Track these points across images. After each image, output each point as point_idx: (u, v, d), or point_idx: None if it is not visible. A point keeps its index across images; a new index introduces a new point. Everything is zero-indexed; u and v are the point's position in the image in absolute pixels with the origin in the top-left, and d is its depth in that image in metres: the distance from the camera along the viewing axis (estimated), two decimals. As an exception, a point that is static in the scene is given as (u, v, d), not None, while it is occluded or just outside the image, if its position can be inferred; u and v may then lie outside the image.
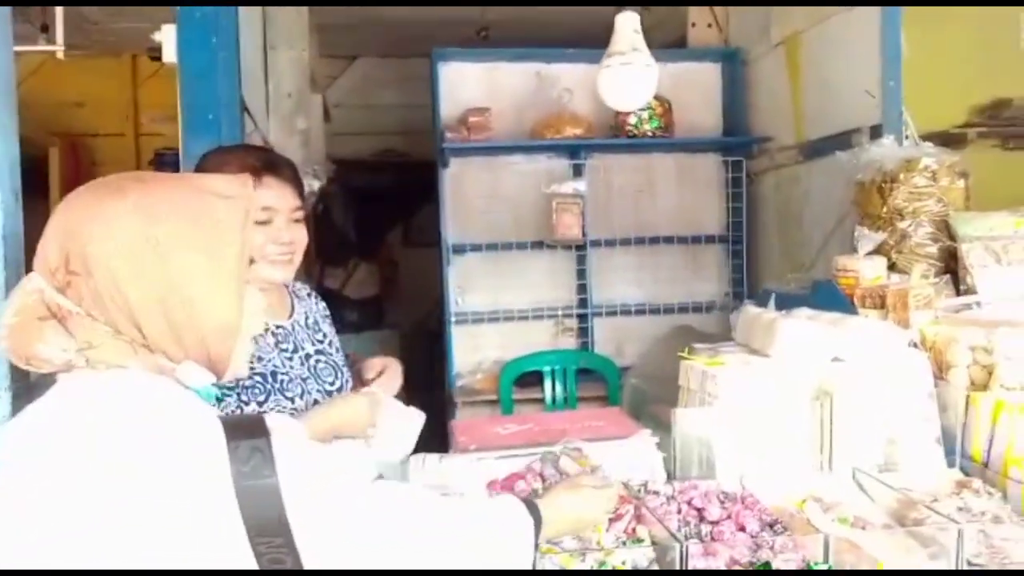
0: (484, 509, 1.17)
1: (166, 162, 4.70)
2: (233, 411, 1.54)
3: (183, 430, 0.91)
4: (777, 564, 1.30)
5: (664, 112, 3.33)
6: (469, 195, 3.55)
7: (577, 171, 3.50)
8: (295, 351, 1.68)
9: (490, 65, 3.56)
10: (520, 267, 3.58)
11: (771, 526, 1.45)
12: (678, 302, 3.59)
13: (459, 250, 3.54)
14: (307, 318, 1.78)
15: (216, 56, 2.55)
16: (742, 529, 1.42)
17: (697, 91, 3.59)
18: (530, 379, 3.48)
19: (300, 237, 1.67)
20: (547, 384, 3.44)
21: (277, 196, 1.62)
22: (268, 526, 0.88)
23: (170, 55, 2.53)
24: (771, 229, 3.54)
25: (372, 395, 1.60)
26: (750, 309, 1.93)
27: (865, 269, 2.12)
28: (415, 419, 1.62)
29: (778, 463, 1.65)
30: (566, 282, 3.62)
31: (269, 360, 1.61)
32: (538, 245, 3.56)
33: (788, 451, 1.67)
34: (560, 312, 3.58)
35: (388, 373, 1.75)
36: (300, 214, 1.67)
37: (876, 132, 2.69)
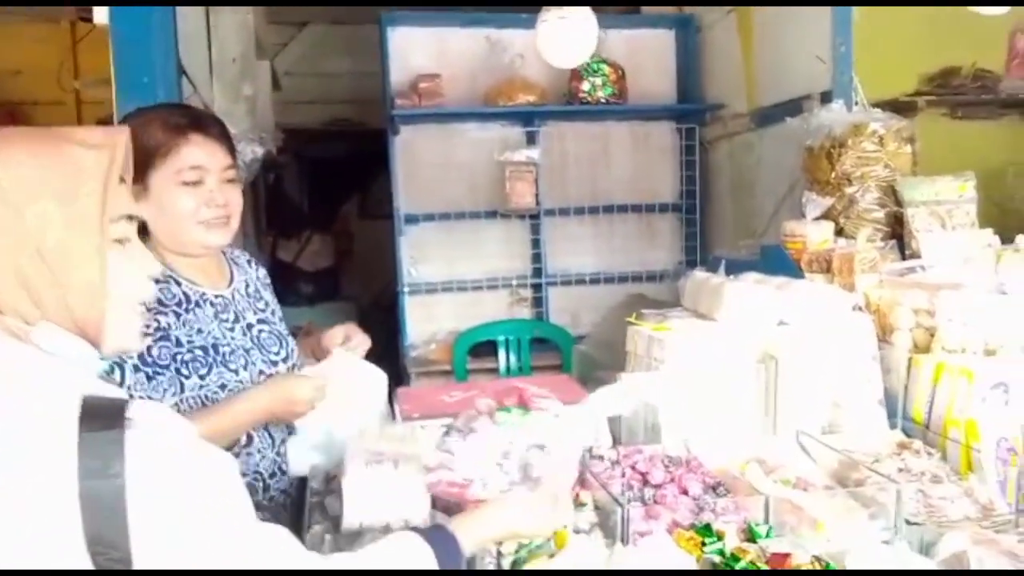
0: (368, 559, 1.01)
1: (108, 132, 4.56)
2: (171, 388, 1.47)
3: (29, 409, 0.82)
4: (718, 526, 1.29)
5: (618, 79, 3.30)
6: (421, 163, 3.49)
7: (531, 139, 3.46)
8: (236, 321, 1.62)
9: (440, 30, 3.49)
10: (474, 237, 3.54)
11: (714, 488, 1.44)
12: (632, 271, 3.58)
13: (412, 220, 3.48)
14: (247, 286, 1.71)
15: (150, 17, 2.46)
16: (684, 492, 1.42)
17: (651, 58, 3.56)
18: (485, 349, 3.46)
19: (235, 199, 1.59)
20: (501, 354, 3.42)
21: (206, 155, 1.54)
22: (106, 534, 0.79)
23: (101, 17, 2.43)
24: (724, 197, 3.55)
25: (315, 379, 1.55)
26: (698, 274, 1.92)
27: (812, 233, 2.12)
28: (382, 379, 1.61)
29: (723, 427, 1.65)
30: (521, 251, 3.59)
31: (209, 332, 1.55)
32: (492, 214, 3.52)
33: (733, 415, 1.67)
34: (515, 282, 3.56)
35: (356, 339, 1.70)
36: (233, 173, 1.60)
37: (826, 99, 2.69)
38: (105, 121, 4.57)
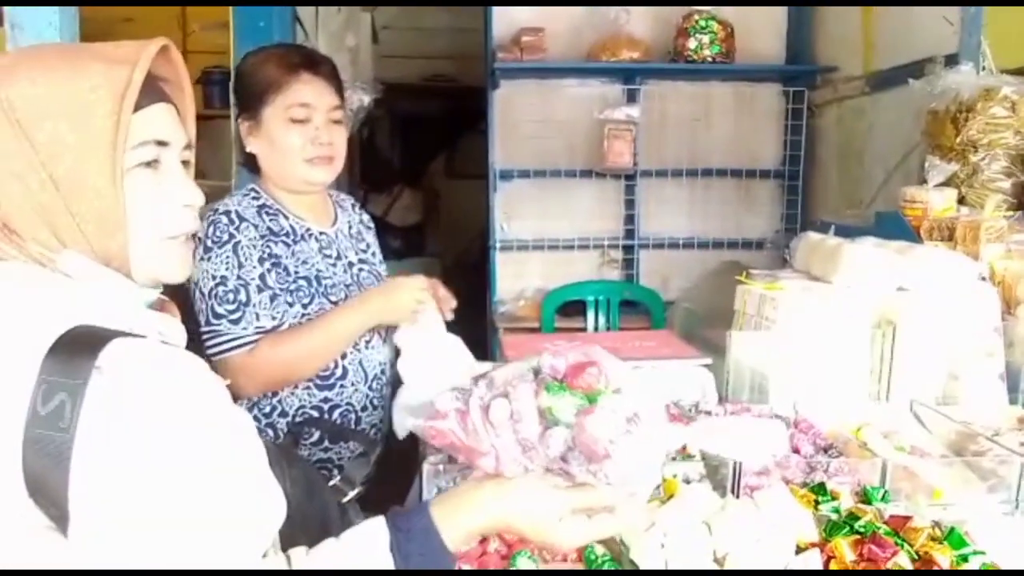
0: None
1: (214, 81, 4.68)
2: (277, 313, 1.54)
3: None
4: (831, 486, 1.26)
5: (726, 37, 3.19)
6: (519, 119, 3.47)
7: (631, 97, 3.39)
8: (338, 258, 1.68)
9: (546, -18, 3.44)
10: (567, 195, 3.52)
11: (825, 450, 1.41)
12: (728, 237, 3.50)
13: (506, 176, 3.48)
14: (350, 227, 1.77)
15: (268, -38, 2.51)
16: (796, 451, 1.39)
17: (761, 16, 3.42)
18: (573, 309, 3.45)
19: (339, 139, 1.64)
20: (590, 314, 3.41)
21: (315, 93, 1.59)
22: (47, 489, 0.71)
23: (222, -41, 2.49)
24: (829, 164, 3.42)
25: (419, 282, 1.58)
26: (812, 235, 1.86)
27: (934, 200, 2.03)
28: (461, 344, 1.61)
29: (833, 391, 1.61)
30: (613, 212, 3.55)
31: (313, 264, 1.62)
32: (586, 173, 3.48)
33: (844, 380, 1.62)
34: (606, 242, 3.53)
35: (442, 293, 1.69)
36: (339, 114, 1.64)
37: (951, 62, 2.55)
38: (211, 71, 4.72)
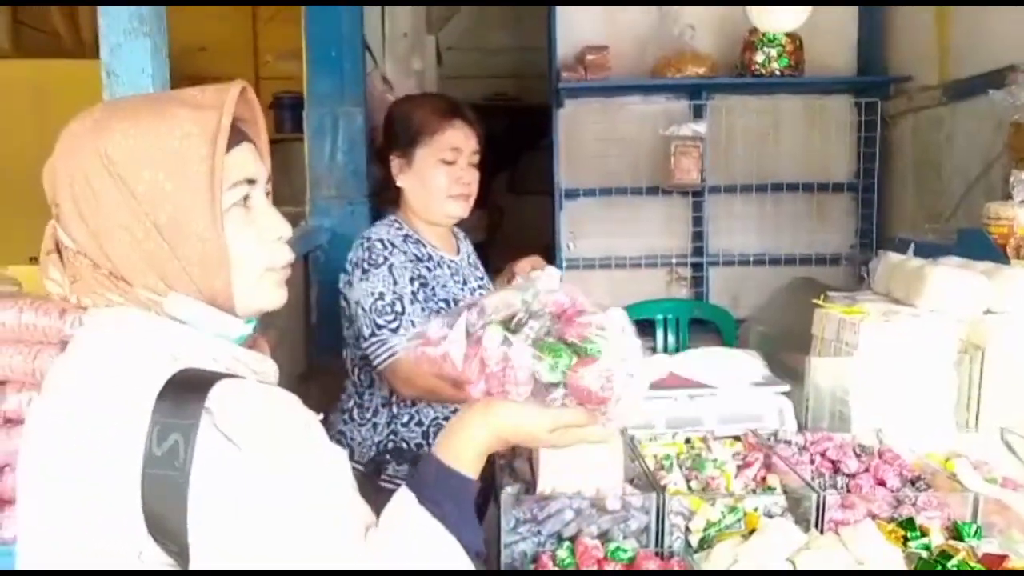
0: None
1: (284, 105, 4.82)
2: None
3: (111, 391, 0.80)
4: (920, 521, 1.22)
5: (794, 49, 3.14)
6: (583, 138, 3.46)
7: (697, 112, 3.36)
8: (465, 284, 1.87)
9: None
10: (634, 213, 3.49)
11: (912, 482, 1.37)
12: (800, 253, 3.42)
13: (572, 195, 3.47)
14: (469, 256, 1.99)
15: (339, -7, 2.57)
16: (881, 484, 1.35)
17: (831, 26, 3.34)
18: (641, 328, 3.40)
19: (475, 179, 1.86)
20: (659, 333, 3.37)
21: (464, 138, 1.81)
22: (167, 526, 0.75)
23: (296, -8, 2.57)
24: (905, 177, 3.32)
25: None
26: (892, 256, 1.81)
27: (1021, 217, 1.95)
28: None
29: (918, 420, 1.55)
30: (681, 229, 3.51)
31: (450, 288, 1.81)
32: (652, 191, 3.45)
33: (930, 408, 1.57)
34: (674, 260, 3.48)
35: (548, 271, 1.79)
36: (477, 158, 1.86)
37: (1035, 70, 2.46)
38: (281, 96, 4.85)
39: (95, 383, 0.82)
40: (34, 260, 0.97)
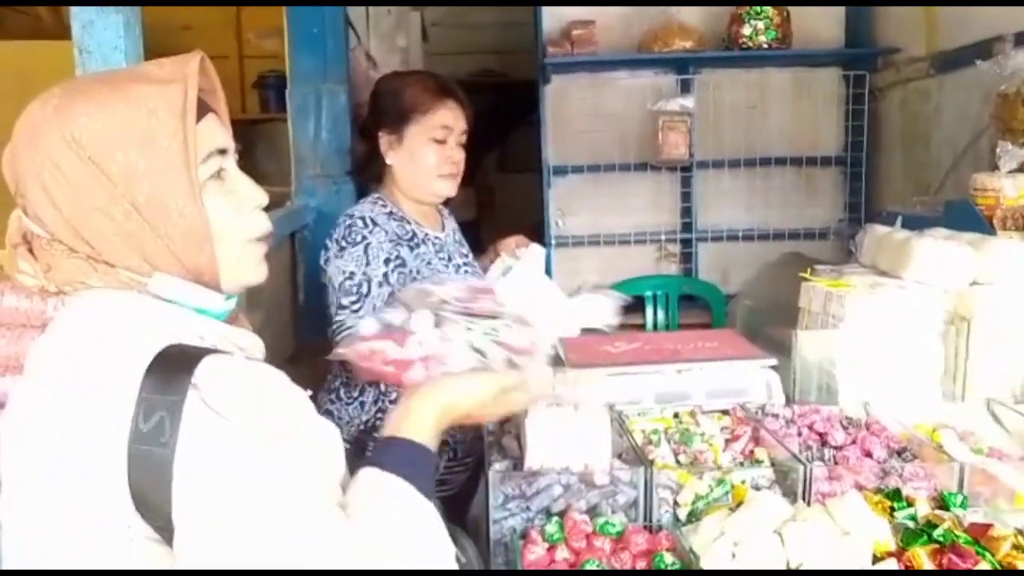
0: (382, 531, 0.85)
1: (269, 85, 4.76)
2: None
3: (96, 369, 0.80)
4: (907, 492, 1.23)
5: (782, 22, 3.11)
6: (571, 114, 3.44)
7: (685, 87, 3.33)
8: (449, 260, 1.86)
9: (595, -25, 3.40)
10: (622, 189, 3.47)
11: (899, 453, 1.38)
12: (789, 227, 3.41)
13: (560, 172, 3.46)
14: (454, 233, 1.97)
15: (320, -32, 2.54)
16: (868, 455, 1.36)
17: (818, -1, 3.33)
18: (631, 304, 3.41)
19: (463, 158, 1.86)
20: (648, 310, 3.37)
21: (454, 117, 1.81)
22: (151, 498, 0.75)
23: (275, -31, 2.53)
24: (893, 149, 3.31)
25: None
26: (878, 228, 1.81)
27: (1008, 188, 1.95)
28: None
29: (905, 392, 1.56)
30: (669, 205, 3.50)
31: (434, 265, 1.80)
32: (641, 167, 3.43)
33: (917, 379, 1.58)
34: (663, 236, 3.47)
35: (532, 249, 1.86)
36: (465, 137, 1.86)
37: (1022, 41, 2.45)
38: (266, 75, 4.79)
39: (80, 362, 0.82)
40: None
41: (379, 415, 1.75)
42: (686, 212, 3.46)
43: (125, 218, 0.83)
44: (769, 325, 1.89)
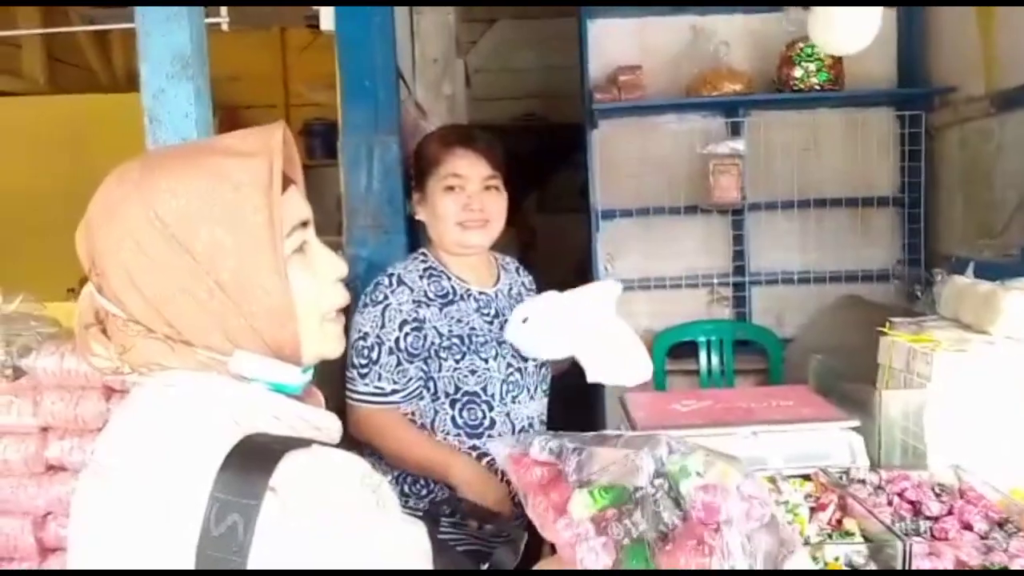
0: None
1: (316, 132, 4.83)
2: (417, 375, 1.68)
3: (170, 462, 0.76)
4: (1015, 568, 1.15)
5: (834, 63, 3.06)
6: (619, 158, 3.41)
7: (734, 130, 3.29)
8: (495, 316, 1.78)
9: (641, 20, 3.38)
10: (672, 233, 3.43)
11: (1000, 525, 1.29)
12: (845, 270, 3.33)
13: (608, 216, 3.42)
14: (511, 288, 1.88)
15: (371, 22, 2.55)
16: (967, 527, 1.27)
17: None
18: (682, 350, 3.34)
19: (492, 205, 1.79)
20: (702, 355, 3.30)
21: (468, 165, 1.76)
22: None
23: (328, 23, 2.55)
24: (952, 190, 3.22)
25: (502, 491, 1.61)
26: (958, 280, 1.73)
27: (1091, 233, 1.87)
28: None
29: (999, 454, 1.47)
30: (721, 248, 3.44)
31: (468, 323, 1.74)
32: (691, 210, 3.38)
33: (1011, 441, 1.49)
34: (715, 280, 3.41)
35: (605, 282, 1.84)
36: (494, 182, 1.79)
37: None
38: (312, 123, 4.86)
39: (153, 452, 0.78)
40: (72, 291, 0.92)
41: (421, 480, 1.71)
42: (738, 255, 3.40)
43: (208, 297, 0.79)
44: (839, 378, 1.81)
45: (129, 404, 0.85)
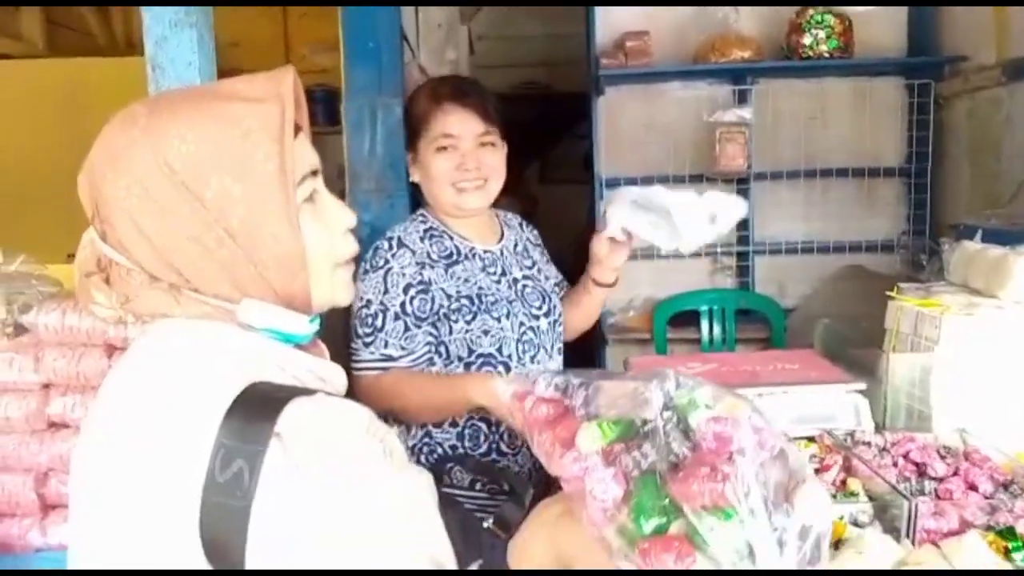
0: None
1: (317, 98, 4.77)
2: (425, 339, 1.60)
3: (174, 409, 0.75)
4: (1020, 530, 1.14)
5: (844, 31, 3.02)
6: (624, 126, 3.38)
7: (741, 98, 3.26)
8: (503, 275, 1.72)
9: (649, -16, 3.34)
10: (676, 201, 3.40)
11: (1005, 487, 1.29)
12: (849, 240, 3.31)
13: (613, 184, 3.39)
14: (516, 245, 1.82)
15: (375, -17, 2.52)
16: (973, 488, 1.27)
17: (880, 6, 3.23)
18: (684, 319, 3.34)
19: (489, 162, 1.69)
20: (704, 324, 3.29)
21: (458, 122, 1.65)
22: (224, 554, 0.70)
23: (331, -17, 2.51)
24: (959, 161, 3.20)
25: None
26: (969, 245, 1.71)
27: (1101, 201, 1.85)
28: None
29: (1004, 417, 1.47)
30: (725, 217, 3.42)
31: (475, 282, 1.67)
32: (695, 178, 3.35)
33: (1016, 404, 1.48)
34: (718, 249, 3.40)
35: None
36: (489, 138, 1.69)
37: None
38: (313, 89, 4.81)
39: (158, 399, 0.77)
40: (72, 257, 0.91)
41: (425, 439, 1.66)
42: (742, 224, 3.37)
43: (218, 245, 0.78)
44: (845, 342, 1.80)
45: (132, 353, 0.84)
